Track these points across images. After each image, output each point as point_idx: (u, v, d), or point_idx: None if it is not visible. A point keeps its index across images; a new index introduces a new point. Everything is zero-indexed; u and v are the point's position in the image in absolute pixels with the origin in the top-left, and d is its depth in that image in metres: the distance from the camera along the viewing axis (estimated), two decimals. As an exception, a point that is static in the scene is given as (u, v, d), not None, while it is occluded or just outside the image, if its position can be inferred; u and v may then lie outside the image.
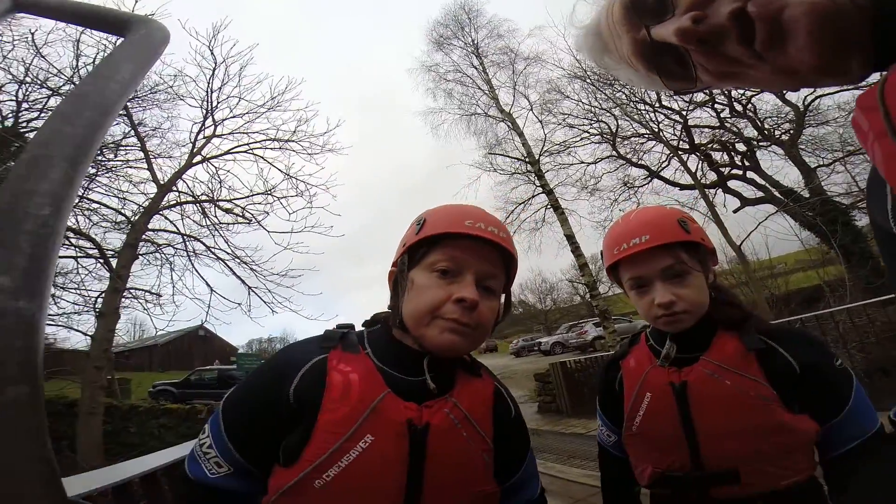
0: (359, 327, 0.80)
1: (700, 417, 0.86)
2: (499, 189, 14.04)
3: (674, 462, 0.89)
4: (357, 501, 0.61)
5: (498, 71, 13.98)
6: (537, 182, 12.75)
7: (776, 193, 12.50)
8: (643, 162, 13.89)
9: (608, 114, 13.48)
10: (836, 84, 0.40)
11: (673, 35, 0.40)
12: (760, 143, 13.16)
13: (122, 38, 0.57)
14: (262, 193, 10.17)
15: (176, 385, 15.24)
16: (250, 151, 10.39)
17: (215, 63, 10.04)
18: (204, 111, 10.27)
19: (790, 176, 12.88)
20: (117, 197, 9.60)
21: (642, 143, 13.72)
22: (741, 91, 13.13)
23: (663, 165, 13.73)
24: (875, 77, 0.38)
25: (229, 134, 10.50)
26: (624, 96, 12.88)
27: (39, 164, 0.37)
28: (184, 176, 10.06)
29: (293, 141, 10.41)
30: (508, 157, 13.54)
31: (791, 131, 12.66)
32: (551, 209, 12.45)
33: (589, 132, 13.88)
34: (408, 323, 0.70)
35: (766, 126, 13.15)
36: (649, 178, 13.93)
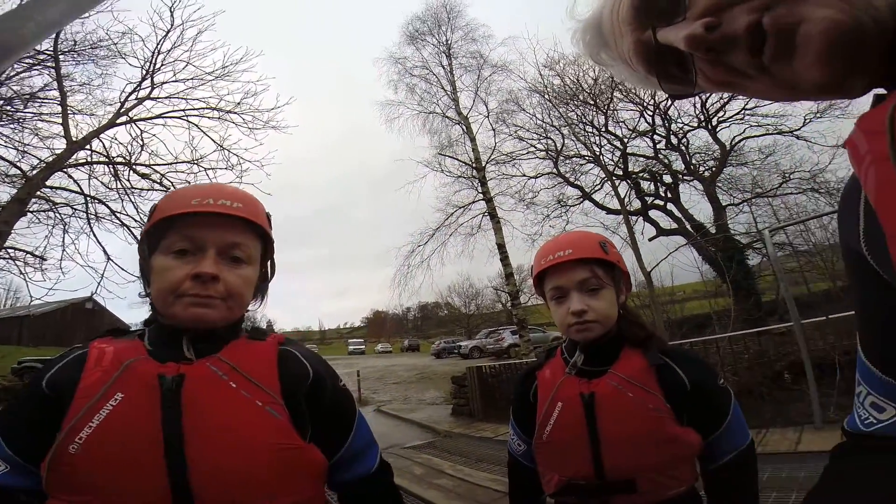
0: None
1: (604, 427, 0.91)
2: (443, 190, 14.15)
3: (578, 471, 0.94)
4: (115, 457, 0.63)
5: (464, 74, 14.19)
6: (479, 188, 12.99)
7: (688, 226, 13.79)
8: (579, 182, 14.64)
9: (557, 131, 14.02)
10: (834, 99, 0.41)
11: (682, 40, 0.39)
12: (685, 177, 14.34)
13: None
14: (188, 162, 9.34)
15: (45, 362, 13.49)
16: (185, 118, 9.52)
17: (172, 24, 9.09)
18: (144, 71, 9.26)
19: (705, 211, 14.06)
20: (16, 149, 8.42)
21: (582, 165, 14.41)
22: (681, 124, 14.26)
23: (597, 188, 14.53)
24: (869, 97, 0.39)
25: (166, 98, 9.55)
26: (575, 116, 13.47)
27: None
28: (102, 136, 8.98)
29: (235, 112, 9.70)
30: (457, 159, 13.69)
31: (713, 168, 13.89)
32: (488, 217, 12.74)
33: (536, 147, 14.37)
34: (157, 307, 0.74)
35: (694, 161, 14.35)
36: (582, 199, 14.74)
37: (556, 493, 0.98)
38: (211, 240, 0.73)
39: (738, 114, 13.74)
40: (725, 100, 13.57)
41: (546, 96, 13.17)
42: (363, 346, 45.10)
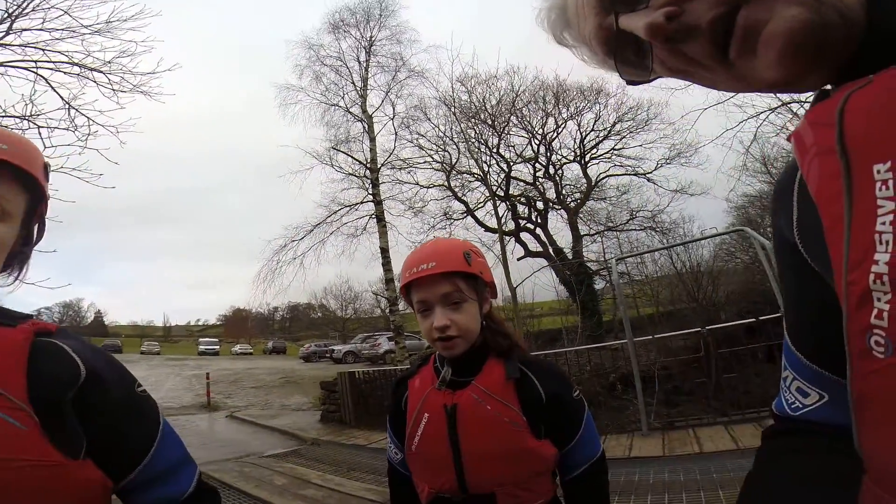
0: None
1: (465, 440, 0.92)
2: (330, 186, 13.64)
3: (444, 484, 0.94)
4: None
5: (379, 72, 13.82)
6: (370, 189, 12.82)
7: (550, 251, 15.49)
8: (465, 198, 15.46)
9: (454, 146, 14.64)
10: (789, 92, 0.42)
11: (642, 29, 0.39)
12: (554, 206, 16.19)
13: None
14: (18, 117, 7.45)
15: None
16: (34, 70, 7.57)
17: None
18: (4, 13, 7.11)
19: (566, 238, 16.01)
20: None
21: (471, 182, 15.30)
22: (558, 156, 15.96)
23: (480, 206, 15.55)
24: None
25: (20, 46, 7.49)
26: (473, 133, 14.20)
27: None
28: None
29: (100, 71, 8.02)
30: (352, 157, 13.32)
31: (578, 200, 15.95)
32: (375, 219, 12.63)
33: (433, 158, 14.81)
34: None
35: (564, 192, 16.31)
36: (465, 214, 15.55)
37: None
38: None
39: (607, 153, 16.21)
40: (600, 139, 15.90)
41: (452, 109, 13.76)
42: (217, 347, 40.49)
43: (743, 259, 13.94)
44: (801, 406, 0.48)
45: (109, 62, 8.26)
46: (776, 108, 10.65)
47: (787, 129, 11.28)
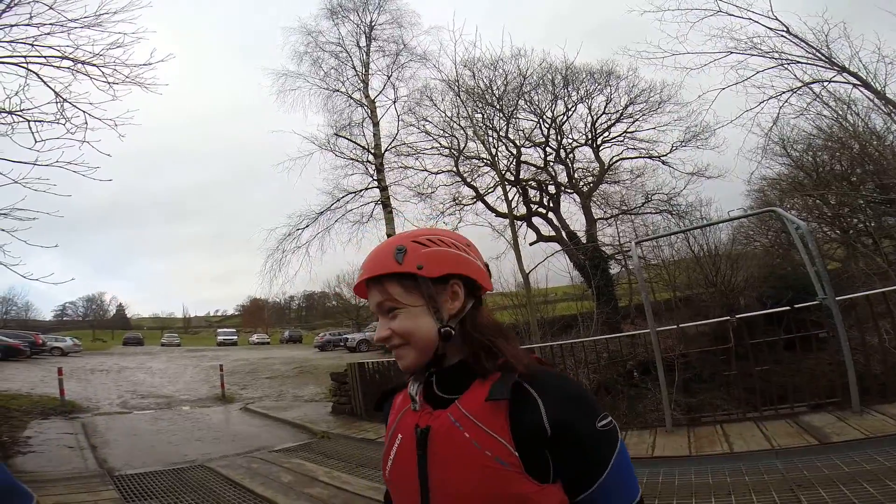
0: None
1: (435, 473, 0.73)
2: (333, 172, 13.57)
3: None
4: None
5: (380, 57, 13.78)
6: (375, 175, 12.70)
7: (564, 235, 15.19)
8: (475, 183, 15.20)
9: (462, 130, 14.39)
10: None
11: None
12: (566, 190, 15.85)
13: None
14: (5, 112, 7.40)
15: None
16: (24, 66, 7.53)
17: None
18: None
19: (580, 222, 15.67)
20: None
21: (480, 167, 15.03)
22: (570, 140, 15.56)
23: (490, 191, 15.26)
24: None
25: (9, 42, 7.46)
26: (481, 117, 13.90)
27: None
28: None
29: (91, 64, 7.91)
30: (355, 142, 13.20)
31: (591, 184, 15.60)
32: (381, 205, 12.51)
33: (440, 143, 14.59)
34: None
35: (576, 175, 15.95)
36: (475, 200, 15.30)
37: None
38: None
39: (619, 136, 15.78)
40: (612, 122, 15.46)
41: (456, 91, 13.49)
42: (235, 337, 41.35)
43: (762, 242, 13.45)
44: None
45: (100, 54, 8.10)
46: (797, 90, 10.04)
47: (809, 111, 10.68)
